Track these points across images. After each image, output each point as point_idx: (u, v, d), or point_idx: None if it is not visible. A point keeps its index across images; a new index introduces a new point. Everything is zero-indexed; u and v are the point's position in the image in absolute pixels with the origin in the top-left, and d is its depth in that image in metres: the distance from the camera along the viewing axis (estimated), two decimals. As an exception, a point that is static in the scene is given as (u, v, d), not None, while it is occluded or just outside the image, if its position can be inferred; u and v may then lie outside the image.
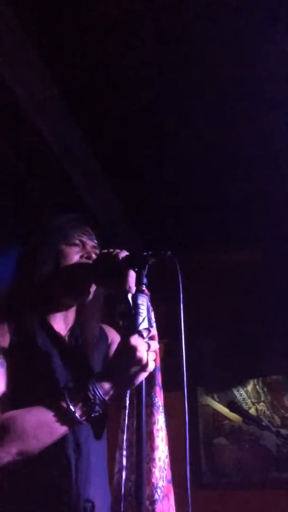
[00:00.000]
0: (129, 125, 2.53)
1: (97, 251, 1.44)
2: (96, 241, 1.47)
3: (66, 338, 1.41)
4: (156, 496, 1.12)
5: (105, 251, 1.37)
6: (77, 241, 1.42)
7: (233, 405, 2.61)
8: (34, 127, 2.19)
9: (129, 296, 1.19)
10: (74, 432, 1.23)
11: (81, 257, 1.40)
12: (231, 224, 3.35)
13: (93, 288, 1.41)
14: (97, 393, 1.12)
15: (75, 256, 1.40)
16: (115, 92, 2.31)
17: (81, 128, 2.52)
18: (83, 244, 1.43)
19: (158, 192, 3.08)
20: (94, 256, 1.41)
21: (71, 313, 1.44)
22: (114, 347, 1.50)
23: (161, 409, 1.20)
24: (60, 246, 1.40)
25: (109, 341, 1.53)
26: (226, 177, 2.91)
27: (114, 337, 1.55)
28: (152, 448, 1.14)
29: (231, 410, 2.59)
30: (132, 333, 1.17)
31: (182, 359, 1.22)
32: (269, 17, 1.92)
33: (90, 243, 1.45)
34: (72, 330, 1.44)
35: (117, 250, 1.34)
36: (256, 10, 1.89)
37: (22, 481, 1.19)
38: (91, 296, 1.41)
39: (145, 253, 1.26)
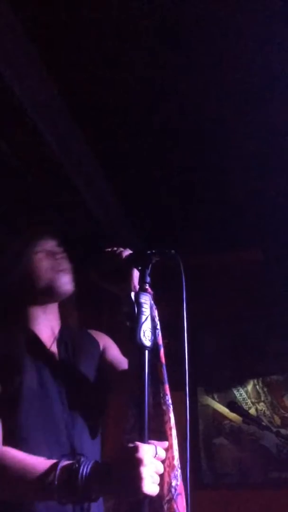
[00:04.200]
0: (129, 125, 2.53)
1: (61, 250, 1.46)
2: (58, 243, 1.48)
3: (55, 344, 1.39)
4: (171, 495, 1.11)
5: (109, 249, 1.36)
6: (42, 249, 1.43)
7: (233, 405, 2.61)
8: (34, 127, 2.19)
9: (132, 294, 1.19)
10: (69, 436, 1.24)
11: (51, 261, 1.42)
12: (232, 224, 3.35)
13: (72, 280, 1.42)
14: (85, 488, 1.04)
15: (44, 261, 1.41)
16: (115, 92, 2.31)
17: (81, 128, 2.52)
18: (50, 252, 1.44)
19: (159, 192, 3.08)
20: (63, 260, 1.43)
21: (54, 316, 1.44)
22: (109, 352, 1.51)
23: (171, 407, 1.20)
24: (27, 255, 1.41)
25: (101, 347, 1.51)
26: (227, 177, 2.91)
27: (106, 342, 1.54)
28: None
29: (231, 410, 2.58)
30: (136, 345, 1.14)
31: (185, 358, 1.22)
32: (270, 16, 1.92)
33: (55, 249, 1.46)
34: (60, 334, 1.43)
35: (121, 249, 1.34)
36: (258, 9, 1.90)
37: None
38: (71, 287, 1.42)
39: (148, 252, 1.26)
